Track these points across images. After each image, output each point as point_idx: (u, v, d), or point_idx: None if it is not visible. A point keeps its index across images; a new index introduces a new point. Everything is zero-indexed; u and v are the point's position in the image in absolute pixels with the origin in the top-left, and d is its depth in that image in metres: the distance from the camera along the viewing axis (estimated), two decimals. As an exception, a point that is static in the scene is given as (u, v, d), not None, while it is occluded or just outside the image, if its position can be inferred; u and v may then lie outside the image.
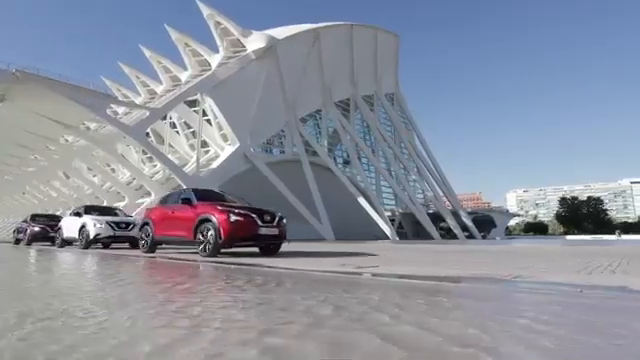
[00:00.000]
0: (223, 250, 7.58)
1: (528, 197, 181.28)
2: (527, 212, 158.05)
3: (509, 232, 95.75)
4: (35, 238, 16.51)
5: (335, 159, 50.74)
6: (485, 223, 63.53)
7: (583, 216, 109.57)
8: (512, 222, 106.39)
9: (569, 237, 68.31)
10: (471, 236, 54.85)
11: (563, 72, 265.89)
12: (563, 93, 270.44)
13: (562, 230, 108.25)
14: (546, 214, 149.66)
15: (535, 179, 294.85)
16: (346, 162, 53.12)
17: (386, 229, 41.64)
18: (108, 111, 35.67)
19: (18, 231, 18.25)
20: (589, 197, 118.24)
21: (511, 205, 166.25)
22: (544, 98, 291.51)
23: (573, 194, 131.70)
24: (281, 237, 7.85)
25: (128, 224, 12.24)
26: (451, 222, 54.05)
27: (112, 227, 11.96)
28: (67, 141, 42.33)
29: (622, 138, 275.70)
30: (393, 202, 59.52)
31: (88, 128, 41.24)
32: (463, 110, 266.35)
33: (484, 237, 57.20)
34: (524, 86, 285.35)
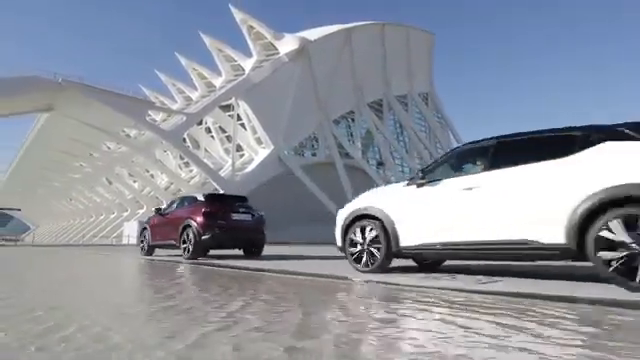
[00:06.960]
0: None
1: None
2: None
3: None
4: None
5: (368, 161, 49.84)
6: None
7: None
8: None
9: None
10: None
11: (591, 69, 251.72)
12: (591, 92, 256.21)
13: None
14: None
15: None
16: (380, 164, 51.99)
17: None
18: (146, 118, 36.72)
19: None
20: None
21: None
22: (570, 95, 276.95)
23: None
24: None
25: None
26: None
27: None
28: (109, 148, 44.00)
29: None
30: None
31: (128, 135, 42.66)
32: (495, 109, 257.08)
33: None
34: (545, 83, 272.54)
